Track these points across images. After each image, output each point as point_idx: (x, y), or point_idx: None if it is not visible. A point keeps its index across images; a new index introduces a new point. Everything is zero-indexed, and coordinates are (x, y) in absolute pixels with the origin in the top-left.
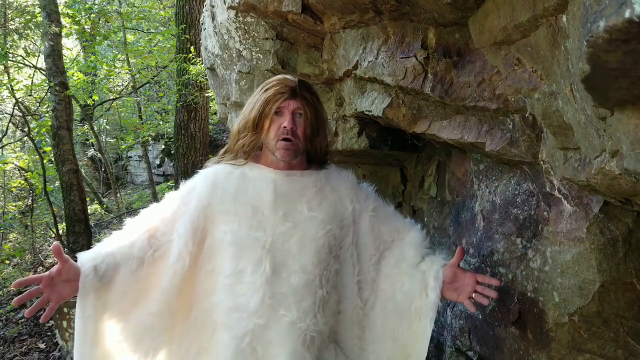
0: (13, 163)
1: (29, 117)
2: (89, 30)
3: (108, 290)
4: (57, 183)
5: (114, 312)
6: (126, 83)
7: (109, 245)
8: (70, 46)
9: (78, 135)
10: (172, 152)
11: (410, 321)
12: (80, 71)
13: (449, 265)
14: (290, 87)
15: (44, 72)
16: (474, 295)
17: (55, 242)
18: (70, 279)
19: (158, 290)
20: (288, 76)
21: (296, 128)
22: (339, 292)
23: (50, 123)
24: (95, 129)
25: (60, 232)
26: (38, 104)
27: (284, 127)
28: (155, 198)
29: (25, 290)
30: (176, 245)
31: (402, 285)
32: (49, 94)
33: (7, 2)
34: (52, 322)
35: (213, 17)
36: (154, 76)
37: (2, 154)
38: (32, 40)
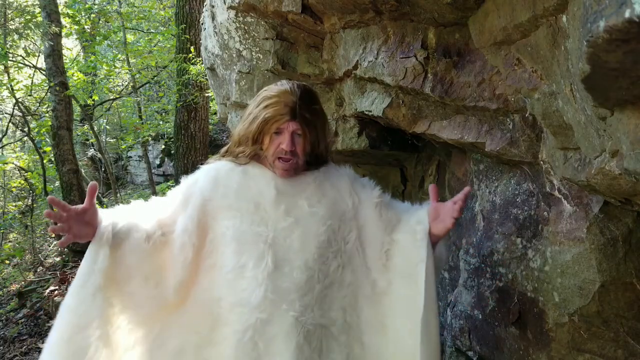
0: (13, 163)
1: (29, 117)
2: (89, 30)
3: (116, 250)
4: (57, 183)
5: (115, 272)
6: (126, 83)
7: (126, 212)
8: (70, 46)
9: (78, 135)
10: (172, 152)
11: (416, 278)
12: (80, 71)
13: (430, 207)
14: (290, 107)
15: (44, 72)
16: (454, 210)
17: (93, 182)
18: (90, 223)
19: (160, 279)
20: (293, 87)
21: (295, 148)
22: (341, 289)
23: (50, 123)
24: (95, 129)
25: None
26: (38, 104)
27: (283, 148)
28: None
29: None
30: (179, 238)
31: (400, 247)
32: (49, 94)
33: (7, 2)
34: (52, 322)
35: (213, 17)
36: (154, 76)
37: (2, 154)
38: (32, 40)
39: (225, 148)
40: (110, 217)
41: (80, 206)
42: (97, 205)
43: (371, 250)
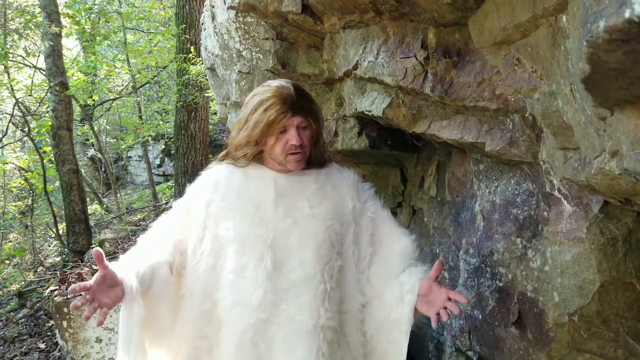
0: (13, 163)
1: (29, 117)
2: (89, 30)
3: (146, 295)
4: (57, 183)
5: (149, 315)
6: (126, 83)
7: (140, 253)
8: (70, 46)
9: (78, 135)
10: (172, 152)
11: (389, 330)
12: (80, 71)
13: (426, 278)
14: (289, 103)
15: (44, 72)
16: (441, 311)
17: (97, 248)
18: (113, 284)
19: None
20: (283, 84)
21: (303, 141)
22: (343, 290)
23: (50, 123)
24: (95, 129)
25: (60, 232)
26: (38, 104)
27: (292, 144)
28: (155, 198)
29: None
30: (194, 258)
31: (382, 294)
32: (49, 94)
33: (7, 2)
34: (52, 322)
35: (213, 17)
36: (154, 76)
37: (2, 154)
38: (32, 40)
39: (223, 153)
40: (129, 267)
41: (98, 277)
42: (109, 266)
43: (361, 258)
